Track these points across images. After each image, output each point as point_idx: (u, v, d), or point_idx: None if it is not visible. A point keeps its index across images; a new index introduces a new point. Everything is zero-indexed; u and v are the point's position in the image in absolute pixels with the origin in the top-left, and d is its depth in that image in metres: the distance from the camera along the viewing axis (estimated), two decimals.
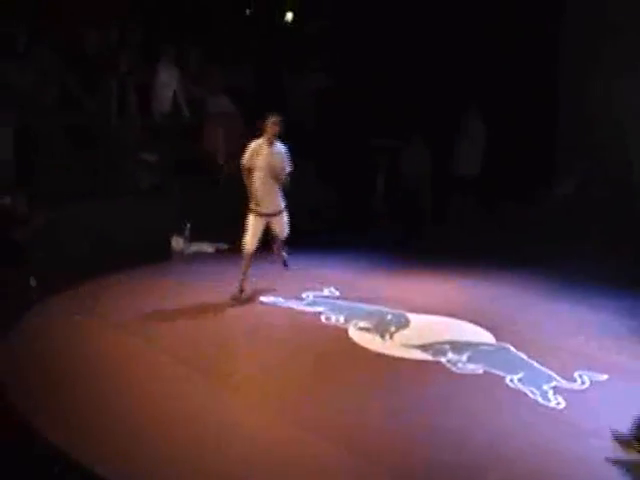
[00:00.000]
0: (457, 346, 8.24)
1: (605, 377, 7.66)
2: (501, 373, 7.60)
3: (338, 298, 9.75)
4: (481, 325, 8.96)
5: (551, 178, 14.43)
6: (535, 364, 7.84)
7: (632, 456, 6.06)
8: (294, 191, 9.58)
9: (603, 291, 10.58)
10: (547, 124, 14.43)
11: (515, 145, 14.09)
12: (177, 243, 11.83)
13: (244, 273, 9.42)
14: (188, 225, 11.80)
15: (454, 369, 7.71)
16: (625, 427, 6.45)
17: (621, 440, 6.29)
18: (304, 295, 9.76)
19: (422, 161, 14.46)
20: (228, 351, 8.06)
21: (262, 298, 9.57)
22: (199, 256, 11.82)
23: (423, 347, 8.22)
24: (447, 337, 8.54)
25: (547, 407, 6.96)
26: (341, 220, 13.62)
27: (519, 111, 14.16)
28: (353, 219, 13.66)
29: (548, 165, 14.54)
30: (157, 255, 11.21)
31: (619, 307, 9.95)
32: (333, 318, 8.98)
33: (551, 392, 7.21)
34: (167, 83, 13.45)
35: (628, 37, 13.51)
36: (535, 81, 14.18)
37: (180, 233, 11.83)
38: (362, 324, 8.75)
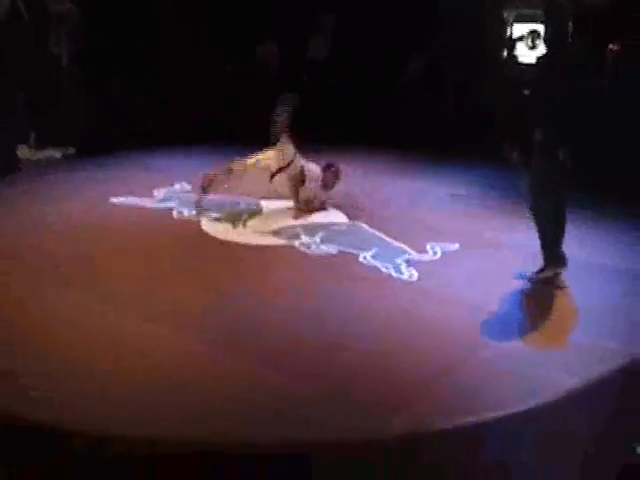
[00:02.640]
0: (309, 228, 8.22)
1: (456, 246, 7.79)
2: (354, 251, 7.62)
3: (189, 192, 9.49)
4: (333, 206, 8.96)
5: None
6: (387, 239, 7.89)
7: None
8: None
9: (453, 166, 10.73)
10: None
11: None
12: (23, 152, 11.31)
13: None
14: (33, 132, 11.29)
15: (308, 251, 7.67)
16: (477, 293, 6.62)
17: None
18: (155, 192, 9.48)
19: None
20: (82, 256, 7.66)
21: (113, 199, 9.22)
22: (48, 163, 11.32)
23: (276, 232, 8.16)
24: (299, 220, 8.51)
25: (401, 280, 7.02)
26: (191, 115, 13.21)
27: None
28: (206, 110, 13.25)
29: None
30: (4, 167, 10.62)
31: (469, 181, 10.12)
32: (185, 212, 8.76)
33: (404, 265, 7.27)
34: None
35: None
36: None
37: (26, 140, 11.30)
38: (214, 215, 8.57)
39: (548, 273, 6.88)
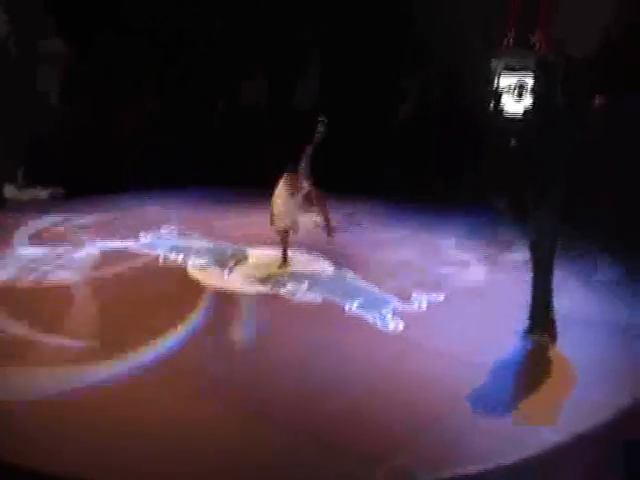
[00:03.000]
0: (295, 277, 8.21)
1: (442, 297, 7.80)
2: (340, 300, 7.62)
3: (176, 236, 9.49)
4: (319, 254, 8.99)
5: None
6: (373, 289, 7.89)
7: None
8: None
9: (439, 214, 10.79)
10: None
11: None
12: (9, 190, 11.30)
13: None
14: (20, 171, 11.29)
15: (293, 299, 7.66)
16: (462, 345, 6.62)
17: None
18: (142, 235, 9.47)
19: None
20: (66, 297, 7.63)
21: (98, 242, 9.19)
22: (34, 202, 11.29)
23: (262, 280, 8.15)
24: (287, 268, 8.52)
25: (387, 330, 7.01)
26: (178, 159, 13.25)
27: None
28: (190, 159, 13.30)
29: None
30: None
31: (456, 228, 10.18)
32: (172, 257, 8.75)
33: (390, 315, 7.28)
34: None
35: None
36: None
37: (12, 180, 11.30)
38: (201, 261, 8.56)
39: (536, 337, 6.82)
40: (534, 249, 6.80)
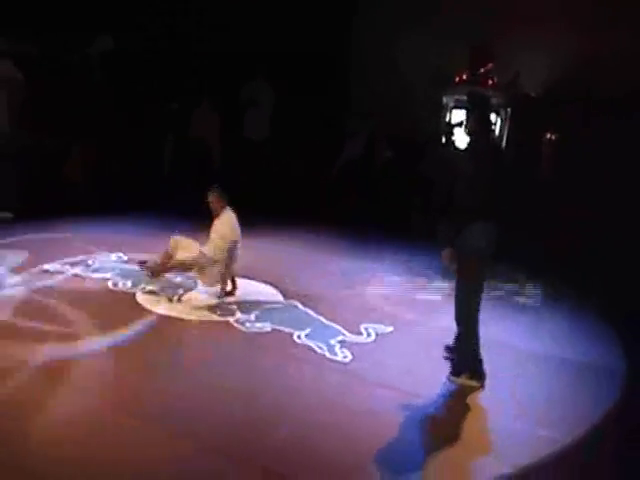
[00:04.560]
0: (245, 305, 8.21)
1: (390, 329, 7.83)
2: (289, 330, 7.61)
3: (125, 262, 9.42)
4: (269, 283, 8.98)
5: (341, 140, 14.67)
6: (322, 319, 7.91)
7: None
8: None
9: (389, 246, 10.86)
10: (334, 86, 14.71)
11: (304, 108, 14.23)
12: None
13: None
14: None
15: (242, 328, 7.64)
16: (410, 377, 6.65)
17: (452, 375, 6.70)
18: (90, 261, 9.38)
19: (211, 124, 14.32)
20: (13, 324, 7.52)
21: (46, 266, 9.09)
22: None
23: (211, 308, 8.12)
24: (235, 297, 8.50)
25: (334, 361, 7.03)
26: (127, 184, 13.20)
27: (307, 74, 14.29)
28: (141, 182, 13.26)
29: (337, 126, 14.78)
30: None
31: (400, 261, 10.27)
32: (120, 283, 8.68)
33: (338, 346, 7.30)
34: None
35: None
36: (325, 44, 14.39)
37: None
38: (149, 287, 8.50)
39: (461, 380, 6.74)
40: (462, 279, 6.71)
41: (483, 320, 6.69)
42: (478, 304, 6.65)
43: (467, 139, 6.90)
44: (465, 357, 6.76)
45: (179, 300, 8.27)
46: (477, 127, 6.68)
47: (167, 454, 5.30)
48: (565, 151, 12.43)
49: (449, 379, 6.75)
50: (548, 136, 13.04)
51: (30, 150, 12.30)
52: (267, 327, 7.68)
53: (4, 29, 12.97)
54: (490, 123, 6.93)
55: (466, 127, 6.78)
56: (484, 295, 6.72)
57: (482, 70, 13.71)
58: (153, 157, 14.07)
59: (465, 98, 7.16)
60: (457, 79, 13.66)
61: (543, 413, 6.35)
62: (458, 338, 6.81)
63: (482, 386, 6.67)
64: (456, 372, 6.77)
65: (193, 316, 7.92)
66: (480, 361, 6.73)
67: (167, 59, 14.27)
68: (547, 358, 7.56)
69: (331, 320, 7.90)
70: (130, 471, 5.05)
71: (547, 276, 9.97)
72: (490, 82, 13.70)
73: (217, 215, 8.50)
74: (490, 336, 6.97)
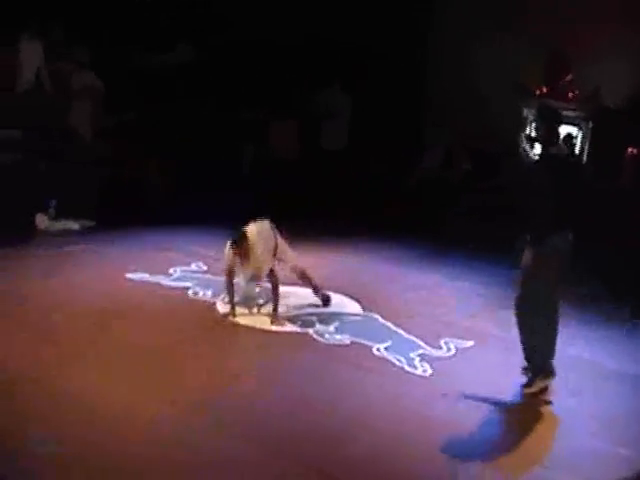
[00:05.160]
0: (324, 317, 8.24)
1: (470, 344, 7.79)
2: (368, 342, 7.62)
3: (205, 272, 9.53)
4: (348, 295, 8.97)
5: (418, 150, 14.67)
6: (402, 333, 7.90)
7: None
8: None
9: (467, 262, 10.81)
10: (413, 96, 14.70)
11: (382, 118, 14.25)
12: (42, 221, 11.40)
13: None
14: (53, 202, 11.39)
15: (322, 340, 7.68)
16: (489, 391, 6.62)
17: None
18: (171, 270, 9.51)
19: (291, 135, 14.41)
20: (100, 330, 7.67)
21: (129, 275, 9.25)
22: (65, 234, 11.37)
23: (291, 319, 8.17)
24: (315, 308, 8.52)
25: (414, 375, 7.01)
26: (209, 193, 13.36)
27: (385, 83, 14.32)
28: (222, 193, 13.41)
29: (415, 137, 14.79)
30: (21, 234, 10.69)
31: (482, 277, 10.20)
32: (201, 293, 8.79)
33: (417, 360, 7.28)
34: (30, 58, 12.88)
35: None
36: (402, 53, 14.41)
37: (44, 210, 11.41)
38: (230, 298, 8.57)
39: (534, 389, 6.75)
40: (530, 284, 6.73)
41: (562, 337, 6.67)
42: (557, 304, 6.69)
43: (538, 151, 6.95)
44: (541, 362, 6.76)
45: (259, 310, 8.34)
46: (546, 139, 6.74)
47: (234, 457, 5.40)
48: None
49: (523, 391, 6.75)
50: (630, 150, 12.85)
51: (110, 159, 12.57)
52: (346, 339, 7.71)
53: (87, 40, 13.32)
54: (558, 136, 6.94)
55: (535, 139, 6.83)
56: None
57: (561, 82, 13.62)
58: (231, 167, 14.18)
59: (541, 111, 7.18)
60: (538, 92, 13.57)
61: (623, 431, 6.25)
62: (531, 350, 6.78)
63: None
64: (529, 383, 6.77)
65: (273, 326, 7.99)
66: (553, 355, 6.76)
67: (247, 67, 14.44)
68: (627, 376, 7.44)
69: (410, 333, 7.88)
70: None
71: (628, 291, 9.78)
72: (571, 95, 13.57)
73: None
74: (570, 353, 6.91)
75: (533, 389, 6.74)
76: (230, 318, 8.12)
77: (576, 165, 7.10)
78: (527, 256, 6.68)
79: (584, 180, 7.63)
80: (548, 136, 6.73)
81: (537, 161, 7.00)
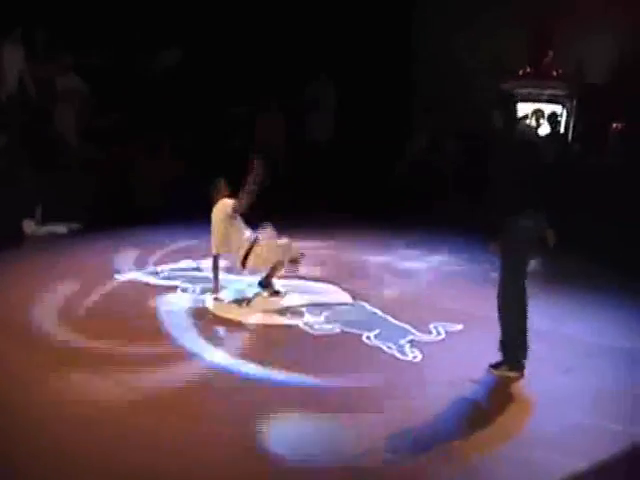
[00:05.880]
0: (313, 308, 8.24)
1: (460, 327, 7.79)
2: (358, 331, 7.61)
3: (194, 270, 9.53)
4: (337, 285, 9.00)
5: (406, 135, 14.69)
6: (391, 319, 7.89)
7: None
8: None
9: (456, 244, 10.81)
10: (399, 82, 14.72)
11: (368, 107, 14.26)
12: (28, 226, 11.39)
13: None
14: (39, 207, 11.39)
15: (311, 331, 7.67)
16: (479, 373, 6.61)
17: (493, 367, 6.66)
18: (159, 269, 9.52)
19: (278, 129, 14.39)
20: (84, 329, 7.64)
21: (117, 275, 9.26)
22: (52, 238, 11.37)
23: (280, 312, 8.18)
24: (303, 300, 8.53)
25: (404, 361, 6.99)
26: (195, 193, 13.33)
27: (369, 71, 14.33)
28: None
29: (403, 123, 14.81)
30: (8, 240, 10.67)
31: (468, 259, 10.19)
32: (189, 290, 8.77)
33: (408, 346, 7.26)
34: (12, 63, 12.83)
35: None
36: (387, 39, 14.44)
37: (31, 216, 11.40)
38: (218, 294, 8.57)
39: (497, 373, 6.69)
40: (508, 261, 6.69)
41: (552, 315, 6.63)
42: (525, 288, 6.63)
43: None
44: (511, 347, 6.71)
45: (248, 304, 8.35)
46: (502, 123, 6.77)
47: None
48: (632, 140, 12.22)
49: (489, 371, 6.72)
50: (615, 126, 12.84)
51: (96, 162, 12.56)
52: (336, 329, 7.70)
53: (71, 44, 13.28)
54: (515, 120, 6.98)
55: (493, 124, 6.88)
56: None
57: (544, 60, 13.60)
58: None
59: (532, 90, 7.27)
60: (521, 72, 13.56)
61: (613, 407, 6.24)
62: (505, 335, 6.75)
63: (522, 375, 6.64)
64: (496, 364, 6.74)
65: (262, 320, 7.99)
66: (525, 350, 6.70)
67: (231, 64, 14.41)
68: (616, 349, 7.46)
69: (400, 320, 7.88)
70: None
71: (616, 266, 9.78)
72: (554, 73, 13.56)
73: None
74: (560, 330, 6.89)
75: (496, 373, 6.70)
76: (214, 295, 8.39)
77: (537, 146, 7.10)
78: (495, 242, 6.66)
79: (549, 161, 7.63)
80: (505, 120, 6.78)
81: (496, 144, 6.99)
